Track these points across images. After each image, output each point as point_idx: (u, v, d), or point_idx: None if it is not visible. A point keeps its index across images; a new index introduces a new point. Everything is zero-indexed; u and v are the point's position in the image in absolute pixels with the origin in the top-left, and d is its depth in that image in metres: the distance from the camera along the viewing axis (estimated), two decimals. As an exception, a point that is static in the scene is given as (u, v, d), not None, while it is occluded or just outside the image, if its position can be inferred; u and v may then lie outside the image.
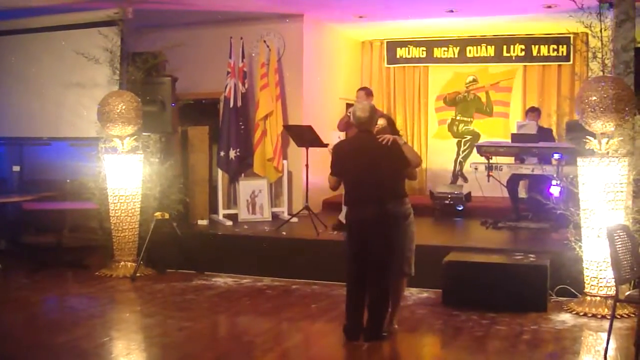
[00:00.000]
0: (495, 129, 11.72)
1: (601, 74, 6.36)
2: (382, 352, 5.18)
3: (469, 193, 10.14)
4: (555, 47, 11.29)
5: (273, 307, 6.55)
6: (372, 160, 5.35)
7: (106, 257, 8.07)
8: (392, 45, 12.19)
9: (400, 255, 5.39)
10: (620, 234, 4.90)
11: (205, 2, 8.94)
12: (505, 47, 11.56)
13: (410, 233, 5.47)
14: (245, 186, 9.56)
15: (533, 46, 11.42)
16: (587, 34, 7.13)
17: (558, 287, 6.50)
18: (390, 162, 5.34)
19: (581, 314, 6.08)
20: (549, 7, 9.15)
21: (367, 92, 9.20)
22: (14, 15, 9.31)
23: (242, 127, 9.51)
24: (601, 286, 6.12)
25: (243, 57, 9.53)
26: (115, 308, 6.74)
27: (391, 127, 5.72)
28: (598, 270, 6.12)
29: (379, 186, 5.32)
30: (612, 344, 5.11)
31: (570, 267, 6.43)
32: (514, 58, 11.58)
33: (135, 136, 8.03)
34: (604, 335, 5.13)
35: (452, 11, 9.70)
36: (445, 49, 11.90)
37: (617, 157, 6.08)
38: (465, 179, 11.57)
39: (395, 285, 5.51)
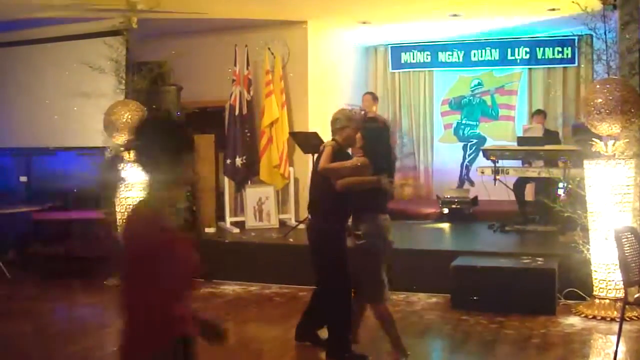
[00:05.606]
0: (501, 133, 11.69)
1: (606, 76, 6.35)
2: (390, 358, 5.16)
3: (476, 197, 10.12)
4: (560, 49, 11.26)
5: (281, 315, 6.56)
6: (312, 171, 5.17)
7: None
8: (397, 50, 12.19)
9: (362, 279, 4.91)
10: (628, 236, 4.89)
11: (210, 10, 8.96)
12: (509, 50, 11.54)
13: (360, 259, 4.84)
14: (252, 193, 9.56)
15: (538, 49, 11.38)
16: (591, 36, 7.14)
17: (566, 290, 6.49)
18: (316, 173, 5.00)
19: (590, 317, 6.06)
20: (553, 9, 9.13)
21: (373, 96, 9.20)
22: (20, 27, 9.35)
23: (248, 134, 9.51)
24: (610, 289, 6.10)
25: (248, 64, 9.54)
26: (124, 317, 6.73)
27: (384, 132, 5.15)
28: (606, 273, 6.10)
29: (310, 199, 5.20)
30: (622, 347, 5.11)
31: (578, 270, 6.40)
32: (518, 61, 11.54)
33: (142, 145, 8.03)
34: (614, 338, 5.11)
35: (456, 15, 9.70)
36: (450, 53, 11.88)
37: (623, 159, 6.07)
38: (472, 183, 11.55)
39: (357, 306, 5.14)
